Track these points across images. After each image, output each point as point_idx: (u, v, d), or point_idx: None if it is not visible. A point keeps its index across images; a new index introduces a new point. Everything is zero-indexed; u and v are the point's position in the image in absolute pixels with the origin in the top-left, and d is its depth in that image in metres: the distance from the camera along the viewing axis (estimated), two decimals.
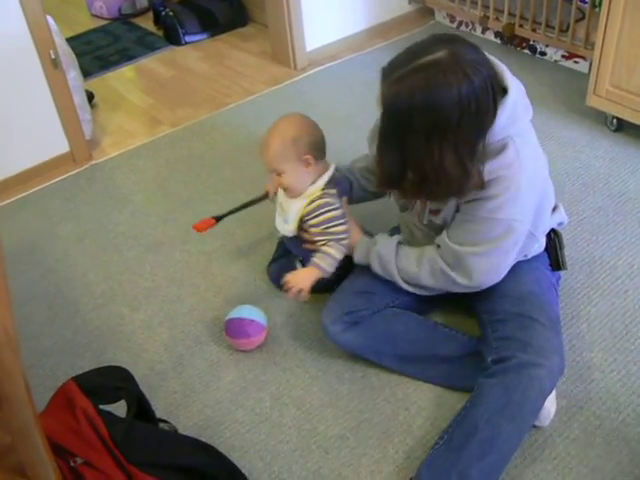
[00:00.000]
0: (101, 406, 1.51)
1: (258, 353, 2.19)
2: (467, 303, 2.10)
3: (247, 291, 2.42)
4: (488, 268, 1.88)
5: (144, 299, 2.44)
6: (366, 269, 2.06)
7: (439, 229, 1.95)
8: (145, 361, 2.21)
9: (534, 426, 1.89)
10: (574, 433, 1.90)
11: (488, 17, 3.81)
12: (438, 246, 1.92)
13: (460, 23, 4.14)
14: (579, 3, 3.44)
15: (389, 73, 1.61)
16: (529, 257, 2.03)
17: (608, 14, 2.76)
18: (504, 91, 1.72)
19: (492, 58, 1.72)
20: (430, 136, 1.59)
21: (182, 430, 1.97)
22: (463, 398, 1.96)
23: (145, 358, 2.22)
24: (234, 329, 2.15)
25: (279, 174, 2.02)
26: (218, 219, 2.36)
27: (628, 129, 3.01)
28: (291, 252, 2.24)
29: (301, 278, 2.05)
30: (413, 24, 4.23)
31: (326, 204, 2.04)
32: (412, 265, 1.95)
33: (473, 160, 1.67)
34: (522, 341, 1.83)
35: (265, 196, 2.33)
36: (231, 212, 2.36)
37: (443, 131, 1.58)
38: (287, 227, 2.13)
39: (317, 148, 2.02)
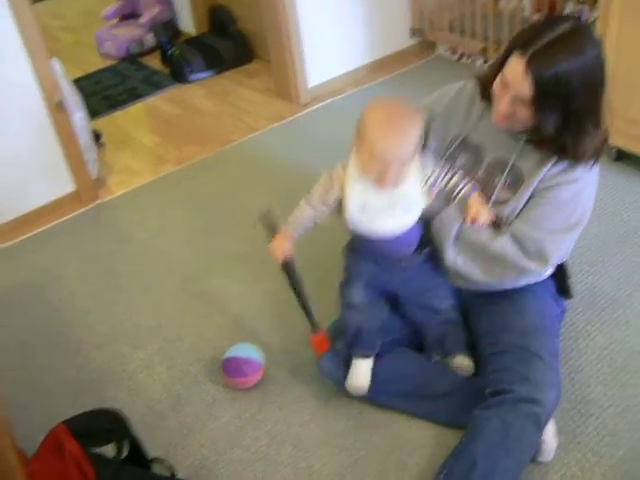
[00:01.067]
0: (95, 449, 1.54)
1: (255, 391, 2.21)
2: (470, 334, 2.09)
3: (247, 329, 2.44)
4: (563, 252, 1.96)
5: (145, 338, 2.47)
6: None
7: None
8: (144, 400, 2.23)
9: (535, 460, 1.89)
10: (571, 470, 1.90)
11: (488, 49, 3.85)
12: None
13: (461, 55, 4.18)
14: None
15: (526, 48, 1.68)
16: (539, 281, 2.03)
17: (606, 37, 2.78)
18: None
19: None
20: (588, 93, 1.73)
21: (179, 469, 1.99)
22: (459, 435, 1.96)
23: (144, 397, 2.24)
24: (231, 368, 2.17)
25: (401, 168, 1.79)
26: (314, 329, 2.09)
27: (628, 159, 3.02)
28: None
29: (481, 205, 1.92)
30: (415, 58, 4.29)
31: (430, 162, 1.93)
32: (483, 235, 1.91)
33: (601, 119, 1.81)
34: (520, 374, 1.84)
35: (290, 263, 2.03)
36: (302, 300, 2.07)
37: (596, 87, 1.73)
38: (410, 214, 1.90)
39: None
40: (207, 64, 4.46)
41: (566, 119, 1.74)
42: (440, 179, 1.90)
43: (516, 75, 1.70)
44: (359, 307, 2.01)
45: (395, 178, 1.80)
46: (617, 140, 2.95)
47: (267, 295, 2.48)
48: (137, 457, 1.72)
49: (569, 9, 3.54)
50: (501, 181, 1.91)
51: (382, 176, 1.79)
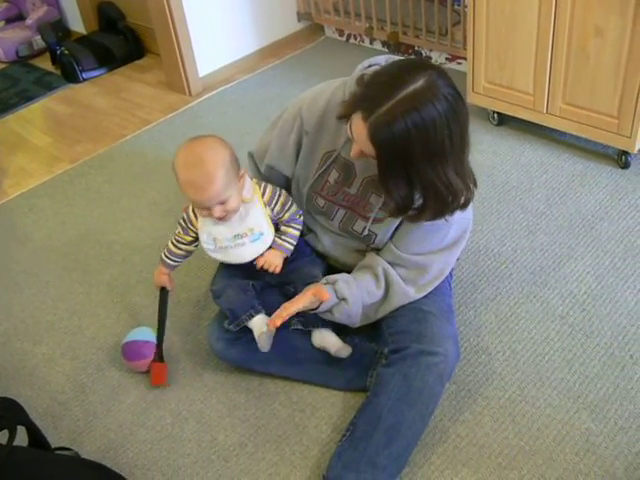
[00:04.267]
0: None
1: None
2: None
3: (146, 314, 2.47)
4: (441, 272, 2.00)
5: (46, 333, 2.47)
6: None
7: (358, 239, 2.02)
8: (48, 392, 2.24)
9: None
10: (463, 415, 1.99)
11: (373, 28, 3.94)
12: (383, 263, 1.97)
13: (349, 36, 4.26)
14: (455, 6, 3.59)
15: (372, 108, 1.58)
16: None
17: (474, 14, 2.90)
18: None
19: None
20: (432, 158, 1.61)
21: (85, 455, 2.00)
22: (356, 395, 2.06)
23: (48, 390, 2.25)
24: (130, 352, 2.19)
25: (222, 203, 1.86)
26: (159, 358, 2.19)
27: (509, 122, 3.15)
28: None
29: (274, 257, 2.04)
30: (304, 41, 4.36)
31: (271, 186, 2.05)
32: (378, 300, 1.99)
33: (466, 172, 1.73)
34: (416, 333, 1.91)
35: (166, 291, 2.26)
36: (160, 329, 2.22)
37: (441, 152, 1.61)
38: (263, 242, 2.03)
39: (236, 157, 1.92)
40: (98, 62, 4.43)
41: (411, 186, 1.68)
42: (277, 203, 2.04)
43: (359, 136, 1.63)
44: (222, 289, 2.10)
45: (224, 211, 1.88)
46: (498, 105, 3.08)
47: None
48: (37, 445, 1.73)
49: None
50: (377, 200, 1.94)
51: (212, 213, 1.88)
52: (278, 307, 1.90)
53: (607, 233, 2.53)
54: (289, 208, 2.06)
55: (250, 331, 2.02)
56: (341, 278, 1.95)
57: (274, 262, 2.03)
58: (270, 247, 2.04)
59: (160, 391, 2.18)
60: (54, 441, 1.99)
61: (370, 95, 1.60)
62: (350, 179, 1.97)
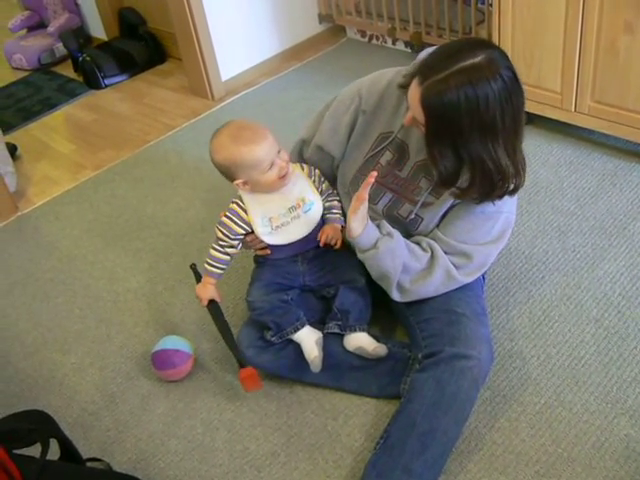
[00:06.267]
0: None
1: (187, 382, 2.22)
2: (389, 307, 2.14)
3: (174, 322, 2.46)
4: (484, 264, 1.99)
5: (74, 342, 2.46)
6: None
7: (401, 225, 1.99)
8: (78, 403, 2.23)
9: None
10: (499, 422, 1.96)
11: (396, 28, 3.91)
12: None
13: (371, 37, 4.23)
14: (479, 5, 3.55)
15: (429, 75, 1.63)
16: None
17: (500, 12, 2.86)
18: None
19: None
20: (482, 133, 1.64)
21: (117, 466, 2.00)
22: (390, 402, 2.03)
23: (78, 400, 2.24)
24: (160, 361, 2.18)
25: (279, 152, 1.96)
26: (242, 365, 2.05)
27: (537, 122, 3.11)
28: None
29: (333, 230, 2.08)
30: (326, 43, 4.33)
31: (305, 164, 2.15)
32: (420, 267, 1.94)
33: (518, 158, 1.76)
34: (450, 336, 1.88)
35: (216, 304, 2.16)
36: (229, 339, 2.10)
37: (492, 129, 1.64)
38: (315, 211, 2.07)
39: None
40: (120, 68, 4.43)
41: (459, 159, 1.71)
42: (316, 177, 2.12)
43: (413, 100, 1.68)
44: (260, 300, 2.10)
45: (285, 162, 1.96)
46: (526, 105, 3.03)
47: (191, 289, 2.48)
48: (69, 457, 1.71)
49: None
50: (428, 184, 1.94)
51: (280, 171, 1.95)
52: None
53: None
54: (324, 180, 2.14)
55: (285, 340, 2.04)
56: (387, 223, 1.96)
57: (335, 235, 2.06)
58: (322, 222, 2.09)
59: (190, 400, 2.17)
60: (85, 451, 1.98)
61: (429, 63, 1.66)
62: (403, 161, 1.98)
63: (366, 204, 1.84)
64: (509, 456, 1.87)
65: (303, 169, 2.09)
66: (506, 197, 1.83)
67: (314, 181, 2.09)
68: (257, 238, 2.05)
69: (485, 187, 1.76)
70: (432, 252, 1.93)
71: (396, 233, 1.91)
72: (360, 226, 1.87)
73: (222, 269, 2.13)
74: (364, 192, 1.81)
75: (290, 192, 2.02)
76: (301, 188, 2.04)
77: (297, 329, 2.02)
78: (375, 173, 1.82)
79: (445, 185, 1.81)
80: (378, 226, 1.92)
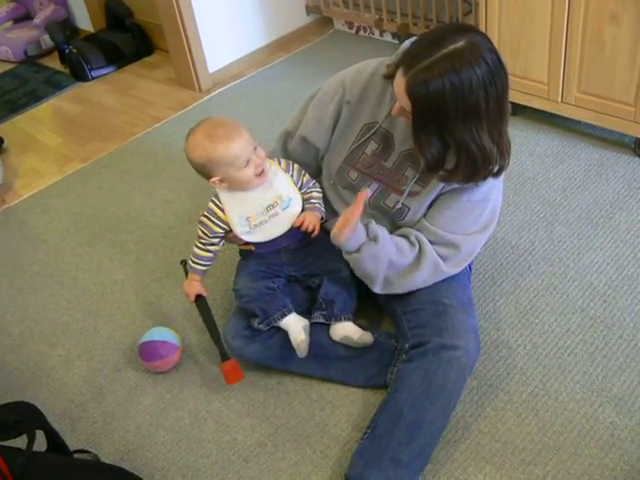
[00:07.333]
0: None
1: (175, 373, 2.22)
2: (375, 298, 2.14)
3: (161, 314, 2.45)
4: (471, 254, 2.00)
5: (62, 334, 2.46)
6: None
7: (387, 215, 2.00)
8: (65, 395, 2.23)
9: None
10: (485, 411, 1.97)
11: (383, 20, 3.91)
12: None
13: (359, 29, 4.23)
14: None
15: (412, 63, 1.63)
16: None
17: (486, 3, 2.86)
18: None
19: None
20: (466, 118, 1.65)
21: (104, 458, 2.00)
22: (377, 392, 2.04)
23: (65, 392, 2.24)
24: (147, 352, 2.18)
25: (255, 149, 1.94)
26: (224, 357, 2.08)
27: (523, 112, 3.11)
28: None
29: (311, 216, 2.04)
30: (314, 34, 4.33)
31: (282, 158, 2.13)
32: (407, 262, 1.94)
33: (503, 140, 1.76)
34: (437, 326, 1.88)
35: (203, 299, 2.18)
36: (214, 332, 2.13)
37: (476, 113, 1.64)
38: (294, 207, 2.04)
39: None
40: (107, 60, 4.42)
41: (444, 144, 1.73)
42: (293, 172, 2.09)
43: (399, 90, 1.69)
44: (246, 287, 2.10)
45: (261, 159, 1.95)
46: (511, 95, 3.02)
47: (179, 281, 2.48)
48: (57, 449, 1.71)
49: None
50: (414, 173, 1.95)
51: (257, 168, 1.94)
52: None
53: (626, 223, 2.49)
54: (304, 174, 2.11)
55: (269, 328, 2.04)
56: (375, 223, 1.94)
57: (312, 220, 2.02)
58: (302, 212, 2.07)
59: (178, 391, 2.17)
60: (72, 443, 1.98)
61: (413, 52, 1.66)
62: (388, 151, 1.99)
63: (358, 218, 1.84)
64: (495, 445, 1.88)
65: (280, 164, 2.07)
66: (492, 181, 1.85)
67: (292, 175, 2.07)
68: (237, 236, 2.05)
69: (470, 169, 1.77)
70: (420, 246, 1.93)
71: (382, 236, 1.89)
72: (348, 234, 1.87)
73: (206, 266, 2.14)
74: (357, 211, 1.80)
75: (267, 190, 2.01)
76: (278, 185, 2.03)
77: (284, 315, 2.03)
78: (366, 193, 1.85)
79: (432, 171, 1.82)
80: (366, 227, 1.91)
